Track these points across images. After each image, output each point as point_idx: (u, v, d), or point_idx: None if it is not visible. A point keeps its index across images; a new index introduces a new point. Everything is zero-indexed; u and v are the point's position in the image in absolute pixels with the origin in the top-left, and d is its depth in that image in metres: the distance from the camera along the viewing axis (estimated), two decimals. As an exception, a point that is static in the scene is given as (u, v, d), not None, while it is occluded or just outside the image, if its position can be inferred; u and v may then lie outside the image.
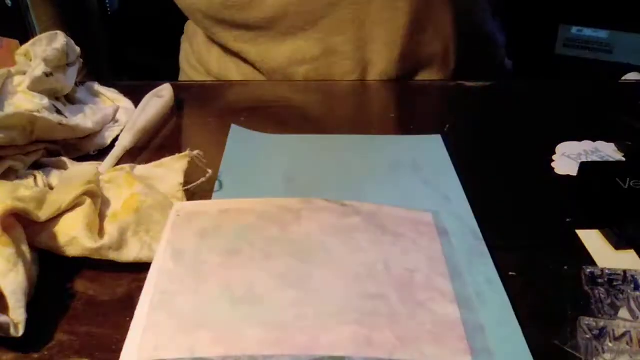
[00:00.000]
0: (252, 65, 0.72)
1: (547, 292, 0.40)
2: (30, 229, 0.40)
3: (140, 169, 0.49)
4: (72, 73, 0.58)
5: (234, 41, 0.71)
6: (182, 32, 0.84)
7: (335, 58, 0.69)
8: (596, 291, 0.38)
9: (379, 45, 0.68)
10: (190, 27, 0.81)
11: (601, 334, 0.34)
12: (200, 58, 0.79)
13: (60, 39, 0.57)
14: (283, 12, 0.66)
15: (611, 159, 0.54)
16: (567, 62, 1.33)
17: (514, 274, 0.41)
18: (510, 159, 0.55)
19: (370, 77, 0.70)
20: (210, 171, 0.49)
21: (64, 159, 0.51)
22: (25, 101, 0.52)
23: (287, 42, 0.68)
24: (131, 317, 0.35)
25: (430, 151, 0.55)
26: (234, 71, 0.75)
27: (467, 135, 0.59)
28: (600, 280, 0.39)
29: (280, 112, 0.64)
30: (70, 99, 0.59)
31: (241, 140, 0.56)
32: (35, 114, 0.49)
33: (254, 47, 0.70)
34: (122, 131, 0.56)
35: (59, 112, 0.55)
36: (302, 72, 0.70)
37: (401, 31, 0.67)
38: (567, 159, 0.54)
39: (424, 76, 0.72)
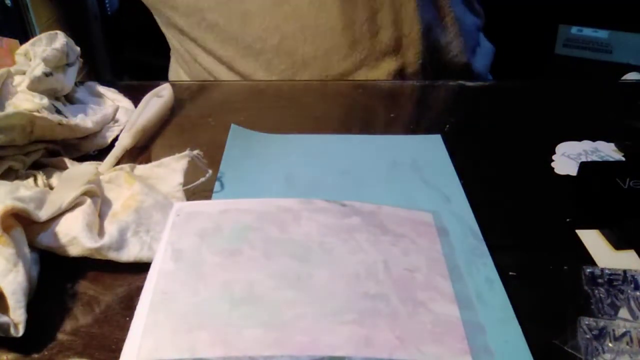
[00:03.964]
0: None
1: (547, 292, 0.40)
2: (30, 229, 0.40)
3: (140, 169, 0.49)
4: (72, 73, 0.58)
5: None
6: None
7: None
8: (596, 291, 0.38)
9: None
10: (174, 47, 0.82)
11: (601, 334, 0.34)
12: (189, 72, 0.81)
13: (60, 39, 0.57)
14: None
15: (611, 159, 0.54)
16: (567, 62, 1.33)
17: (514, 274, 0.41)
18: (510, 159, 0.55)
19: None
20: (210, 171, 0.49)
21: (64, 159, 0.51)
22: (24, 101, 0.52)
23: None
24: (131, 317, 0.35)
25: (430, 151, 0.55)
26: (223, 76, 0.76)
27: (467, 135, 0.59)
28: (600, 280, 0.39)
29: (280, 112, 0.64)
30: (70, 99, 0.59)
31: (241, 140, 0.56)
32: (35, 113, 0.49)
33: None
34: (122, 131, 0.56)
35: (58, 112, 0.55)
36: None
37: None
38: (567, 159, 0.54)
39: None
